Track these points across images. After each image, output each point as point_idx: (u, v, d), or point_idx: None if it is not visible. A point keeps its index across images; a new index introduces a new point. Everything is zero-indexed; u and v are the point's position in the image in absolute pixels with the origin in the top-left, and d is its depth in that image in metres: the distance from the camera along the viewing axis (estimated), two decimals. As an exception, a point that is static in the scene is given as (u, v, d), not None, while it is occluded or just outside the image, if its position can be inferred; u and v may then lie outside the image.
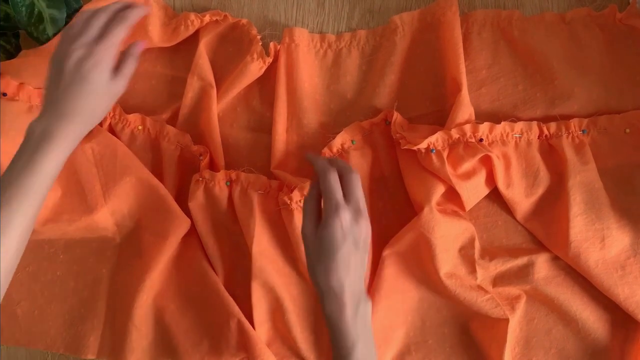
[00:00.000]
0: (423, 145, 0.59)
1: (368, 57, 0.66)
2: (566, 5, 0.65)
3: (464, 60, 0.63)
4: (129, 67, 0.55)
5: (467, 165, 0.59)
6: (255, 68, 0.64)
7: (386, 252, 0.61)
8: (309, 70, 0.66)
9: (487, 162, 0.60)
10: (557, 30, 0.64)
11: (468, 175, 0.60)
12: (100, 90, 0.51)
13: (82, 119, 0.51)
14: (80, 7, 0.64)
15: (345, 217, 0.49)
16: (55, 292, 0.65)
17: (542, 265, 0.61)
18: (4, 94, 0.62)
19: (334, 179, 0.51)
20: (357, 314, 0.49)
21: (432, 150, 0.59)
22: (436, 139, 0.59)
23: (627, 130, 0.61)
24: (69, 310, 0.64)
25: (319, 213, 0.51)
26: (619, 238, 0.59)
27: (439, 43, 0.64)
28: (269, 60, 0.65)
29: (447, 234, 0.59)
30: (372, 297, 0.60)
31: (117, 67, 0.54)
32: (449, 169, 0.58)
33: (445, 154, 0.59)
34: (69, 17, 0.60)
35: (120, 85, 0.54)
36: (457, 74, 0.62)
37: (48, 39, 0.56)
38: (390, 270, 0.61)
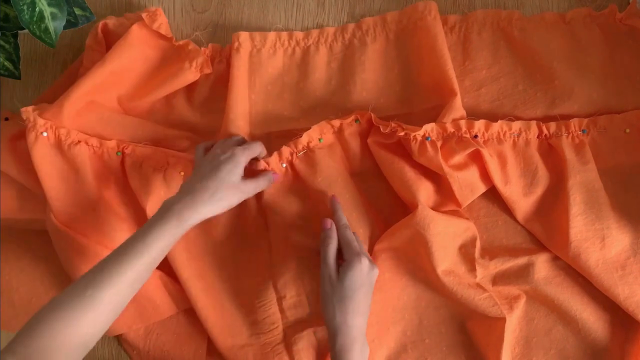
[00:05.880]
0: (420, 133, 0.59)
1: (337, 54, 0.66)
2: (566, 5, 0.66)
3: (465, 60, 0.64)
4: (262, 182, 0.60)
5: (459, 158, 0.59)
6: (190, 76, 0.64)
7: (378, 247, 0.61)
8: (273, 75, 0.66)
9: (479, 159, 0.60)
10: (557, 30, 0.64)
11: (459, 167, 0.60)
12: (227, 182, 0.55)
13: (205, 201, 0.54)
14: (86, 7, 0.65)
15: (365, 262, 0.54)
16: (54, 281, 0.66)
17: (542, 265, 0.61)
18: (6, 119, 0.66)
19: (350, 231, 0.58)
20: (362, 352, 0.54)
21: (427, 138, 0.59)
22: (431, 129, 0.59)
23: (627, 130, 0.61)
24: None
25: (337, 257, 0.56)
26: (618, 238, 0.59)
27: (417, 47, 0.64)
28: (209, 70, 0.66)
29: (445, 232, 0.59)
30: None
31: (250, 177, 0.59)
32: (440, 158, 0.59)
33: (439, 144, 0.59)
34: (70, 15, 0.60)
35: (249, 188, 0.58)
36: (445, 80, 0.62)
37: (52, 39, 0.56)
38: (386, 265, 0.61)
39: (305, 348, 0.61)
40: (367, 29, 0.66)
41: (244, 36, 0.65)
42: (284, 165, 0.62)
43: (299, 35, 0.67)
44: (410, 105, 0.65)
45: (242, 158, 0.57)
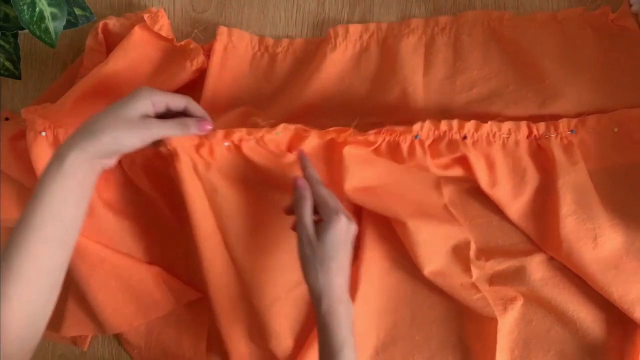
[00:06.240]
0: (413, 133, 0.59)
1: (301, 63, 0.67)
2: (566, 6, 0.65)
3: (456, 60, 0.64)
4: (172, 125, 0.52)
5: (445, 160, 0.60)
6: (189, 75, 0.64)
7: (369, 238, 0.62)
8: (240, 72, 0.67)
9: (467, 163, 0.60)
10: (548, 29, 0.64)
11: (446, 167, 0.61)
12: (117, 115, 0.49)
13: (83, 134, 0.49)
14: (86, 7, 0.65)
15: (344, 219, 0.51)
16: None
17: (538, 266, 0.61)
18: (6, 119, 0.66)
19: (324, 187, 0.54)
20: (347, 310, 0.51)
21: (416, 137, 0.59)
22: (420, 127, 0.59)
23: (616, 130, 0.61)
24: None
25: (312, 216, 0.53)
26: (611, 237, 0.59)
27: (373, 62, 0.65)
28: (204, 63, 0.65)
29: (431, 238, 0.59)
30: (362, 279, 0.61)
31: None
32: (429, 158, 0.59)
33: (427, 144, 0.59)
34: (70, 15, 0.60)
35: (151, 126, 0.51)
36: (403, 98, 0.62)
37: (51, 39, 0.56)
38: (386, 256, 0.62)
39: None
40: (329, 38, 0.66)
41: (222, 30, 0.66)
42: (226, 144, 0.58)
43: (270, 41, 0.67)
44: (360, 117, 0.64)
45: (145, 93, 0.50)
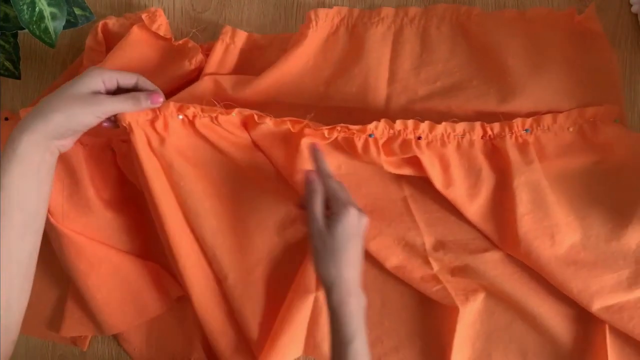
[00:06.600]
0: (368, 132, 0.59)
1: (283, 51, 0.66)
2: (566, 6, 0.65)
3: (422, 52, 0.64)
4: (125, 100, 0.53)
5: (398, 158, 0.60)
6: (188, 74, 0.64)
7: None
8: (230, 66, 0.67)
9: (420, 162, 0.60)
10: (515, 27, 0.63)
11: (399, 165, 0.61)
12: (69, 94, 0.50)
13: (35, 115, 0.49)
14: (86, 6, 0.65)
15: (354, 212, 0.52)
16: (54, 281, 0.68)
17: (497, 263, 0.61)
18: (6, 119, 0.66)
19: (334, 180, 0.55)
20: (359, 304, 0.52)
21: (370, 135, 0.59)
22: (375, 126, 0.59)
23: (571, 129, 0.61)
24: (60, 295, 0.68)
25: (324, 209, 0.54)
26: (568, 234, 0.58)
27: (342, 49, 0.65)
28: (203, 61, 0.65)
29: (381, 234, 0.60)
30: None
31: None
32: (383, 157, 0.59)
33: (380, 142, 0.59)
34: (70, 15, 0.60)
35: (103, 102, 0.51)
36: (365, 88, 0.62)
37: (51, 39, 0.56)
38: None
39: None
40: (309, 21, 0.65)
41: (227, 30, 0.66)
42: (180, 117, 0.58)
43: (257, 36, 0.68)
44: (326, 100, 0.64)
45: (94, 71, 0.51)
